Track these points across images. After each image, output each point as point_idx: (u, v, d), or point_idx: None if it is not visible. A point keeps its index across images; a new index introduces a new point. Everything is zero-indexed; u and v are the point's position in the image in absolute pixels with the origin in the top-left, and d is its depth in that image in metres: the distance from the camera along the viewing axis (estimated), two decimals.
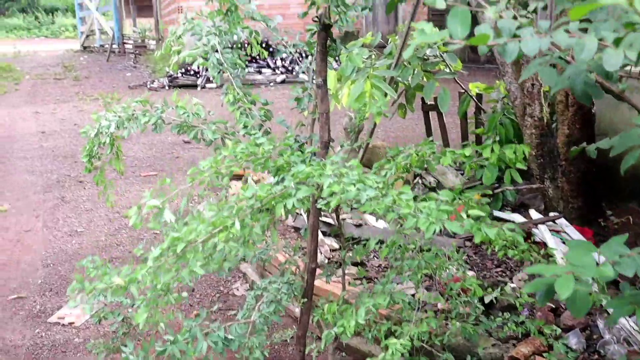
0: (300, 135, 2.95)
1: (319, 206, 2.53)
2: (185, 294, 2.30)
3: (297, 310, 3.64)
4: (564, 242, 4.16)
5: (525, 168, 2.27)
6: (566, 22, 1.20)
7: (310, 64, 3.18)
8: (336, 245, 4.11)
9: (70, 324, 4.08)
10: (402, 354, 2.59)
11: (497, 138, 5.04)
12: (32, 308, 4.29)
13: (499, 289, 3.48)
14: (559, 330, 2.90)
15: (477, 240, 1.68)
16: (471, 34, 1.14)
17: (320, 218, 4.07)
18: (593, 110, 4.56)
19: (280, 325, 3.89)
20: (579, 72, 1.23)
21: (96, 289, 1.91)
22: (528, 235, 4.27)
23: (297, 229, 4.55)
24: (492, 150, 2.16)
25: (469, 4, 1.82)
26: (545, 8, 1.62)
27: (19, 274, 4.81)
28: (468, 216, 1.65)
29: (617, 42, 1.02)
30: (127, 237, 5.40)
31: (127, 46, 22.25)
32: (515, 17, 1.24)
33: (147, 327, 3.05)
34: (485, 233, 1.63)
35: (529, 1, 1.66)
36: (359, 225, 4.25)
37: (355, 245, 3.14)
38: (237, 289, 4.37)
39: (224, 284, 4.46)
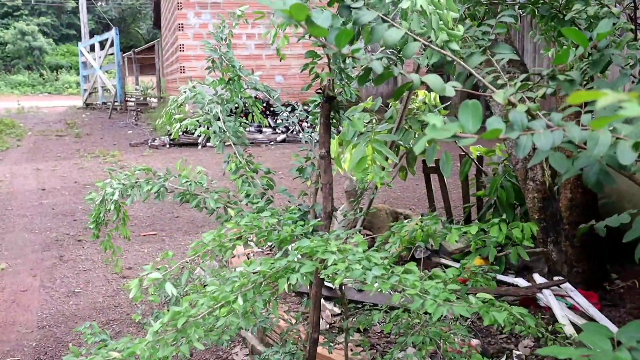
0: (303, 205, 2.94)
1: (321, 276, 2.51)
2: None
3: None
4: (569, 307, 4.11)
5: (533, 245, 2.25)
6: (574, 106, 1.20)
7: (312, 132, 3.20)
8: (338, 310, 4.05)
9: None
10: None
11: (495, 201, 5.06)
12: None
13: (504, 357, 3.42)
14: None
15: (485, 323, 1.65)
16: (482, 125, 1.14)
17: (323, 286, 4.03)
18: None
19: None
20: (592, 162, 1.22)
21: None
22: (532, 300, 4.22)
23: (299, 294, 4.49)
24: (500, 229, 2.15)
25: (476, 86, 1.84)
26: (553, 94, 1.63)
27: (13, 336, 4.71)
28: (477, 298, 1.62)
29: (636, 146, 1.01)
30: (125, 299, 5.32)
31: (129, 104, 22.53)
32: (522, 100, 1.25)
33: None
34: (493, 316, 1.60)
35: (534, 87, 1.68)
36: (361, 291, 4.19)
37: (357, 311, 3.10)
38: (237, 354, 4.28)
39: (223, 349, 4.37)
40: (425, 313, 2.71)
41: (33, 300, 5.36)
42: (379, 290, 1.69)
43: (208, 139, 13.50)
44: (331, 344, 2.99)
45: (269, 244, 2.28)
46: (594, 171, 1.22)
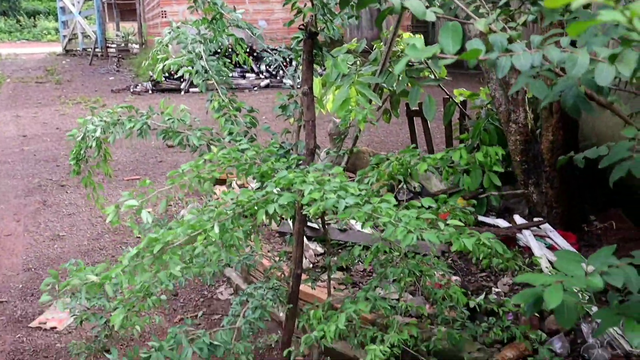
0: (286, 142, 2.94)
1: (304, 213, 2.53)
2: (164, 297, 2.28)
3: (282, 316, 3.63)
4: (548, 247, 4.19)
5: (502, 170, 2.28)
6: (556, 35, 1.20)
7: (296, 71, 3.18)
8: (321, 250, 4.10)
9: (52, 328, 4.03)
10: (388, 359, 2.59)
11: (478, 143, 5.08)
12: (13, 313, 4.24)
13: (483, 294, 3.50)
14: (544, 336, 2.92)
15: (454, 248, 1.69)
16: (462, 48, 1.14)
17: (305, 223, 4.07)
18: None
19: (265, 330, 3.87)
20: (570, 86, 1.23)
21: (70, 285, 1.88)
22: (512, 240, 4.29)
23: (282, 234, 4.54)
24: (461, 156, 2.17)
25: (456, 16, 1.83)
26: (535, 21, 1.62)
27: None
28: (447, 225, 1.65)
29: (611, 58, 1.02)
30: (110, 241, 5.35)
31: (110, 50, 22.11)
32: (504, 30, 1.25)
33: (124, 330, 3.03)
34: (462, 243, 1.63)
35: (516, 15, 1.67)
36: (344, 230, 4.24)
37: (340, 250, 3.14)
38: (222, 293, 4.35)
39: (208, 289, 4.44)
40: (410, 254, 2.76)
41: (18, 244, 5.38)
42: (352, 218, 1.71)
43: (191, 85, 13.25)
44: (314, 280, 3.04)
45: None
46: (572, 94, 1.23)
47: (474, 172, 3.08)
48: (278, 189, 1.91)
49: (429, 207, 1.95)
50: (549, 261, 3.93)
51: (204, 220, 1.84)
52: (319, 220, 3.01)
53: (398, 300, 3.23)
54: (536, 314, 3.39)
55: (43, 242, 5.40)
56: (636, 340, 1.35)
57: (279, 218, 2.15)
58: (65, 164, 7.63)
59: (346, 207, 1.71)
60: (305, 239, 4.15)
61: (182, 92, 13.19)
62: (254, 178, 2.16)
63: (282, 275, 2.91)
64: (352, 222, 4.39)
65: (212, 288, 4.45)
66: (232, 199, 1.89)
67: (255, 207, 1.91)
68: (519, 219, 4.55)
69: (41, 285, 2.01)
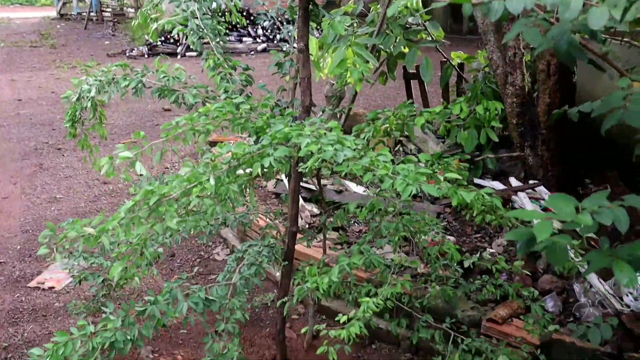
0: (282, 100, 2.93)
1: (300, 170, 2.54)
2: (161, 250, 2.30)
3: (278, 275, 3.66)
4: (543, 209, 4.21)
5: (500, 125, 2.27)
6: None
7: (292, 30, 3.15)
8: (317, 211, 4.12)
9: (51, 288, 4.06)
10: (382, 313, 2.61)
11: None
12: (11, 273, 4.27)
13: (478, 253, 3.53)
14: (536, 293, 2.95)
15: (454, 203, 1.70)
16: None
17: (301, 184, 4.08)
18: (574, 80, 4.59)
19: (261, 289, 3.91)
20: (563, 32, 1.23)
21: (67, 237, 1.90)
22: (507, 203, 4.31)
23: (278, 195, 4.55)
24: (461, 109, 2.17)
25: None
26: None
27: None
28: (446, 180, 1.66)
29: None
30: (107, 203, 5.36)
31: (105, 14, 21.83)
32: None
33: (122, 282, 3.05)
34: (461, 196, 1.64)
35: None
36: (339, 192, 4.26)
37: (335, 211, 3.16)
38: (218, 254, 4.38)
39: (205, 249, 4.47)
40: (405, 210, 2.77)
41: (15, 207, 5.38)
42: (351, 171, 1.71)
43: (188, 49, 13.07)
44: (309, 239, 3.06)
45: None
46: (565, 40, 1.23)
47: (471, 131, 3.08)
48: (274, 143, 1.91)
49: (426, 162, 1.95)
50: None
51: (199, 173, 1.84)
52: (314, 180, 3.01)
53: (392, 260, 3.27)
54: (528, 275, 3.43)
55: (40, 205, 5.41)
56: (625, 280, 1.38)
57: (274, 176, 2.16)
58: (61, 127, 7.59)
59: (344, 159, 1.71)
60: (301, 199, 4.17)
61: (179, 56, 13.07)
62: (249, 134, 2.16)
63: (278, 234, 2.93)
64: (348, 183, 4.41)
65: (209, 249, 4.47)
66: (227, 152, 1.89)
67: (251, 161, 1.91)
68: (514, 182, 4.57)
69: (39, 238, 2.02)
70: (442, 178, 1.67)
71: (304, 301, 3.59)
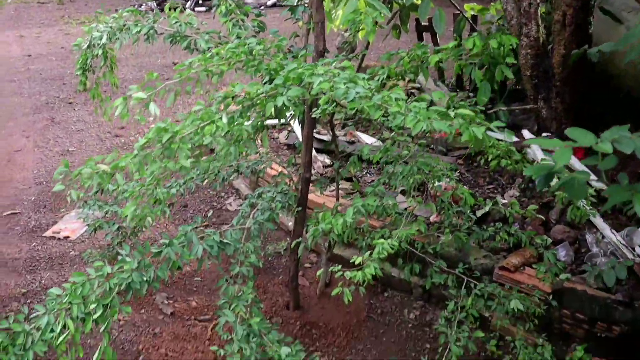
0: (295, 47, 2.91)
1: (313, 115, 2.53)
2: (174, 190, 2.30)
3: (290, 224, 3.69)
4: (547, 189, 4.18)
5: (515, 62, 2.23)
6: None
7: None
8: (329, 162, 4.12)
9: (66, 237, 4.12)
10: (395, 260, 2.62)
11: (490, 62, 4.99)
12: (27, 224, 4.32)
13: (491, 203, 3.53)
14: (549, 241, 2.95)
15: (463, 138, 1.68)
16: None
17: (314, 135, 4.08)
18: (590, 31, 4.51)
19: (273, 238, 3.95)
20: None
21: (82, 174, 1.91)
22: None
23: (290, 147, 4.55)
24: (475, 44, 2.14)
25: None
26: None
27: (11, 191, 4.81)
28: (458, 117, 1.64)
29: None
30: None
31: None
32: None
33: (136, 227, 3.07)
34: (473, 132, 1.63)
35: None
36: (352, 142, 4.25)
37: (348, 162, 3.15)
38: (230, 205, 4.41)
39: (217, 200, 4.50)
40: (420, 154, 2.75)
41: (28, 160, 5.42)
42: (362, 108, 1.70)
43: (196, 4, 12.93)
44: (322, 187, 3.06)
45: None
46: None
47: (483, 85, 3.04)
48: (287, 84, 1.89)
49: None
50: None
51: (212, 112, 1.84)
52: (328, 127, 3.00)
53: (405, 210, 3.27)
54: (541, 225, 3.43)
55: (53, 157, 5.44)
56: None
57: (286, 117, 2.15)
58: (72, 82, 7.58)
59: (356, 97, 1.70)
60: (314, 150, 4.17)
61: (187, 11, 12.95)
62: (262, 77, 2.15)
63: (291, 182, 2.93)
64: (360, 134, 4.39)
65: (221, 199, 4.50)
66: (240, 91, 1.88)
67: (265, 101, 1.90)
68: (527, 135, 4.53)
69: (54, 174, 2.04)
70: (452, 114, 1.66)
71: (317, 249, 3.62)
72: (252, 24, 2.97)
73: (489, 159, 2.43)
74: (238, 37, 2.83)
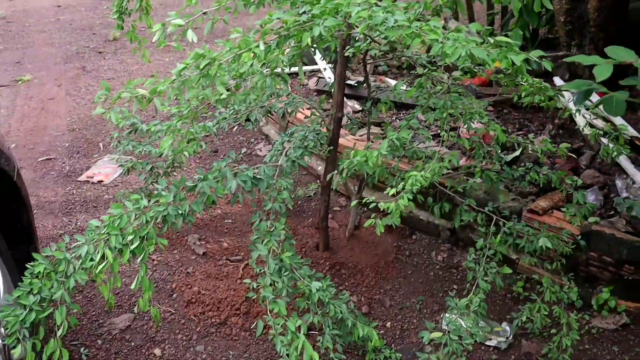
0: None
1: (346, 53, 2.53)
2: (210, 124, 2.34)
3: (320, 169, 3.73)
4: (586, 109, 4.14)
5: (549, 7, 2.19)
6: None
7: None
8: (359, 107, 4.13)
9: (100, 182, 4.21)
10: (426, 196, 2.63)
11: (521, 8, 4.90)
12: (61, 169, 4.42)
13: (521, 148, 3.52)
14: (579, 182, 2.95)
15: (503, 65, 1.68)
16: None
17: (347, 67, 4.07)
18: None
19: (303, 182, 4.00)
20: None
21: (121, 98, 1.96)
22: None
23: (320, 93, 4.55)
24: None
25: None
26: None
27: (46, 138, 4.91)
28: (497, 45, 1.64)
29: None
30: (152, 108, 5.44)
31: None
32: None
33: (170, 167, 3.12)
34: (511, 60, 1.63)
35: None
36: (381, 88, 4.23)
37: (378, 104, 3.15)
38: (260, 150, 4.45)
39: (247, 145, 4.54)
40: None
41: (61, 107, 5.51)
42: (400, 36, 1.70)
43: None
44: (354, 127, 3.07)
45: None
46: None
47: (515, 31, 2.97)
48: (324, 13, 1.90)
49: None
50: (587, 120, 3.90)
51: (249, 40, 1.85)
52: (361, 66, 3.00)
53: (436, 152, 3.28)
54: (571, 170, 3.42)
55: (85, 105, 5.53)
56: None
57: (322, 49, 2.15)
58: (102, 32, 7.63)
59: (395, 25, 1.70)
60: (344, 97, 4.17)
61: None
62: (297, 7, 2.15)
63: (322, 122, 2.95)
64: (390, 80, 4.38)
65: (251, 145, 4.55)
66: (278, 19, 1.89)
67: (301, 31, 1.91)
68: (558, 82, 4.47)
69: (95, 98, 2.09)
70: (491, 40, 1.66)
71: (346, 192, 3.65)
72: None
73: (522, 95, 2.41)
74: None
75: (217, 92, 2.03)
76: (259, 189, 2.46)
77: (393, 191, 2.07)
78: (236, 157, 2.52)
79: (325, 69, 4.65)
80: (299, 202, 3.78)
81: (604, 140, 3.12)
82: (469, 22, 5.67)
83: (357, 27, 1.84)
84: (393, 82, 4.40)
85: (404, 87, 3.03)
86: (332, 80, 2.87)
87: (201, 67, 1.80)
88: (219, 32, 7.49)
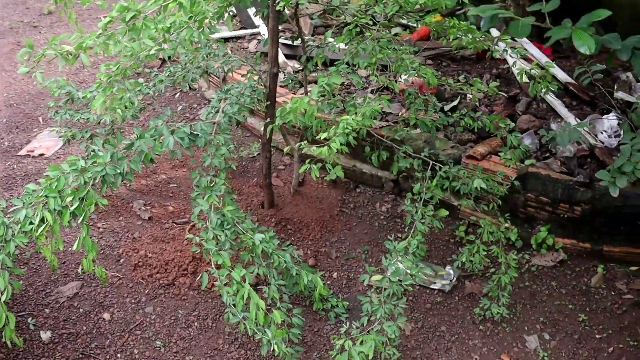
0: None
1: (278, 8, 2.53)
2: (141, 80, 2.32)
3: (262, 130, 3.72)
4: (523, 59, 4.23)
5: None
6: None
7: None
8: (298, 66, 4.12)
9: (41, 155, 4.12)
10: (363, 153, 2.65)
11: None
12: (0, 144, 4.31)
13: (459, 97, 3.58)
14: (512, 125, 3.03)
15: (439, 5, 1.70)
16: None
17: (281, 41, 4.05)
18: None
19: (247, 143, 4.00)
20: None
21: (45, 55, 1.92)
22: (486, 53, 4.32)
23: (262, 55, 4.52)
24: None
25: None
26: None
27: None
28: None
29: None
30: (89, 75, 5.33)
31: None
32: None
33: (105, 114, 3.07)
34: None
35: None
36: (320, 47, 4.23)
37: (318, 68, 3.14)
38: (203, 115, 4.42)
39: (190, 111, 4.50)
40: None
41: None
42: None
43: None
44: (291, 83, 3.08)
45: None
46: None
47: None
48: None
49: None
50: (516, 63, 3.98)
51: None
52: (294, 23, 3.00)
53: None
54: (508, 116, 3.51)
55: (21, 80, 5.37)
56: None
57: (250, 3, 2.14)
58: (35, 6, 7.38)
59: None
60: (283, 56, 4.16)
61: None
62: None
63: (259, 79, 2.95)
64: (330, 39, 4.36)
65: (194, 110, 4.51)
66: None
67: None
68: (495, 33, 4.55)
69: (17, 56, 2.04)
70: None
71: (289, 151, 3.67)
72: None
73: (451, 39, 2.45)
74: None
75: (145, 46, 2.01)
76: (198, 146, 2.46)
77: (325, 135, 2.09)
78: (172, 114, 2.49)
79: (265, 34, 4.61)
80: (243, 162, 3.78)
81: (528, 80, 3.17)
82: None
83: None
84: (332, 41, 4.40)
85: (331, 39, 3.04)
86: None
87: (127, 20, 1.77)
88: None
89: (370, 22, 2.47)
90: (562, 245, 3.04)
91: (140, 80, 2.55)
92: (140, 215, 3.38)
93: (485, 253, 2.71)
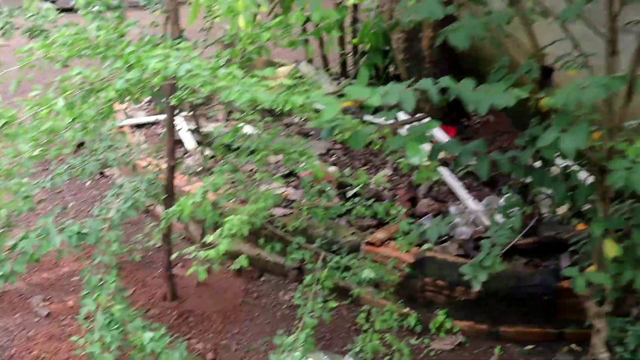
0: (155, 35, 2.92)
1: (172, 103, 2.57)
2: (26, 179, 2.28)
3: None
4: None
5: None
6: None
7: None
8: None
9: None
10: (257, 237, 2.66)
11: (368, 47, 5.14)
12: None
13: (360, 185, 3.67)
14: (403, 211, 3.10)
15: (285, 108, 1.77)
16: None
17: (193, 127, 4.08)
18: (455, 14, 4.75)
19: (153, 232, 3.94)
20: None
21: None
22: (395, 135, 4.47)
23: (176, 143, 4.52)
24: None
25: None
26: None
27: None
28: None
29: None
30: None
31: None
32: None
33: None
34: (292, 102, 1.72)
35: None
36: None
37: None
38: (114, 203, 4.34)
39: (101, 199, 4.41)
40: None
41: None
42: (192, 83, 1.76)
43: None
44: (191, 174, 3.10)
45: None
46: None
47: (362, 71, 3.11)
48: (126, 66, 1.92)
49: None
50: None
51: (49, 97, 1.85)
52: (194, 117, 3.04)
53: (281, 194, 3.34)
54: (409, 200, 3.61)
55: None
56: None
57: (140, 100, 2.17)
58: None
59: (185, 74, 1.75)
60: (195, 143, 4.18)
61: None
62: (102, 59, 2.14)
63: (160, 169, 2.95)
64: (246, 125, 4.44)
65: (104, 199, 4.43)
66: (78, 76, 1.89)
67: (107, 85, 1.93)
68: (402, 116, 4.72)
69: None
70: (278, 83, 1.75)
71: (194, 239, 3.64)
72: (112, 15, 2.96)
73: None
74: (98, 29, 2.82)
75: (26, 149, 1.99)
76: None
77: (211, 238, 2.10)
78: (65, 210, 2.46)
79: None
80: (150, 252, 3.71)
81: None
82: (323, 65, 5.87)
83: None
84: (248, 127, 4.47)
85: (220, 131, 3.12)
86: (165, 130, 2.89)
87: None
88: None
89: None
90: (460, 328, 3.10)
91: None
92: (37, 311, 3.26)
93: (380, 341, 2.72)
